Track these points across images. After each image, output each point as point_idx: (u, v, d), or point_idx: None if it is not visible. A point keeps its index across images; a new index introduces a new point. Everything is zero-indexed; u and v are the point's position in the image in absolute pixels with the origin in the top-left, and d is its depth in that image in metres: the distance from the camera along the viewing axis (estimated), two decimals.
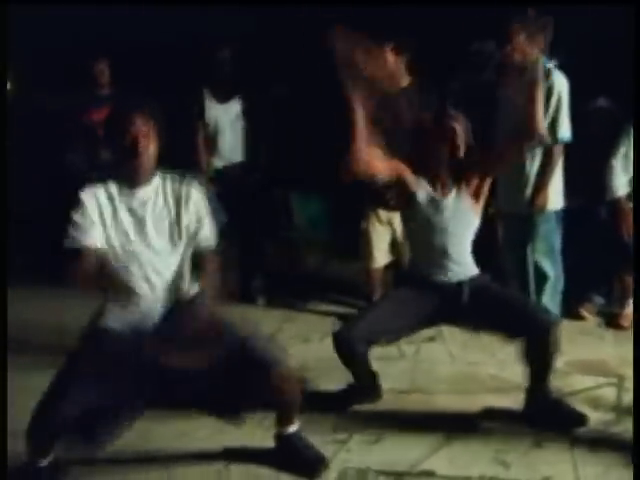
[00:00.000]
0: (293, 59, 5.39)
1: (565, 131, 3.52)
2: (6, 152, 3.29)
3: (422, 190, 2.99)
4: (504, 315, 2.90)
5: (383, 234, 4.16)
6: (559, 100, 3.46)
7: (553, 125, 3.47)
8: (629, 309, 3.98)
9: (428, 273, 3.01)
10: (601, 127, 4.12)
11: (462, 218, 2.98)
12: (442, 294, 2.97)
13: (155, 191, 2.57)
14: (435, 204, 2.97)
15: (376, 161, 2.88)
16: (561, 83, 3.49)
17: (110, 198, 2.53)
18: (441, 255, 2.98)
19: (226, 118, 4.44)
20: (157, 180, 2.58)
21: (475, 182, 2.98)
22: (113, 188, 2.54)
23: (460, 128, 2.94)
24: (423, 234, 3.02)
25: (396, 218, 4.12)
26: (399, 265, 4.19)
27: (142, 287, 2.54)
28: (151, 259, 2.55)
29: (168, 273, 2.58)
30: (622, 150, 3.79)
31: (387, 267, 4.29)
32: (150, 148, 2.47)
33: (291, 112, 5.26)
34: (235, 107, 4.46)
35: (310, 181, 5.45)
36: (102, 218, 2.51)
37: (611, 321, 4.02)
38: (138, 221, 2.54)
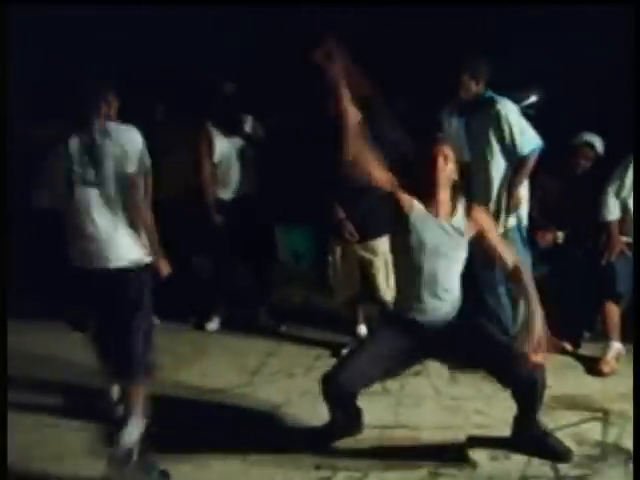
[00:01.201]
0: (281, 92, 5.42)
1: (525, 146, 3.70)
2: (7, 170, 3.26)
3: (415, 209, 2.97)
4: (488, 362, 2.94)
5: (350, 267, 4.11)
6: (508, 123, 3.68)
7: (513, 145, 3.70)
8: (610, 354, 3.85)
9: (413, 312, 2.98)
10: (584, 160, 4.19)
11: (454, 242, 2.96)
12: (426, 334, 2.95)
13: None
14: (428, 224, 2.95)
15: (374, 167, 2.93)
16: (506, 107, 3.71)
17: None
18: (430, 281, 2.94)
19: (232, 151, 4.48)
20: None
21: (471, 209, 3.01)
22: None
23: (449, 150, 2.99)
24: (413, 256, 2.96)
25: (363, 251, 4.05)
26: (374, 297, 4.14)
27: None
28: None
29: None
30: (617, 177, 3.87)
31: (368, 299, 4.24)
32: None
33: (279, 144, 5.27)
34: (240, 140, 4.51)
35: (294, 214, 5.43)
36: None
37: (592, 367, 3.84)
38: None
